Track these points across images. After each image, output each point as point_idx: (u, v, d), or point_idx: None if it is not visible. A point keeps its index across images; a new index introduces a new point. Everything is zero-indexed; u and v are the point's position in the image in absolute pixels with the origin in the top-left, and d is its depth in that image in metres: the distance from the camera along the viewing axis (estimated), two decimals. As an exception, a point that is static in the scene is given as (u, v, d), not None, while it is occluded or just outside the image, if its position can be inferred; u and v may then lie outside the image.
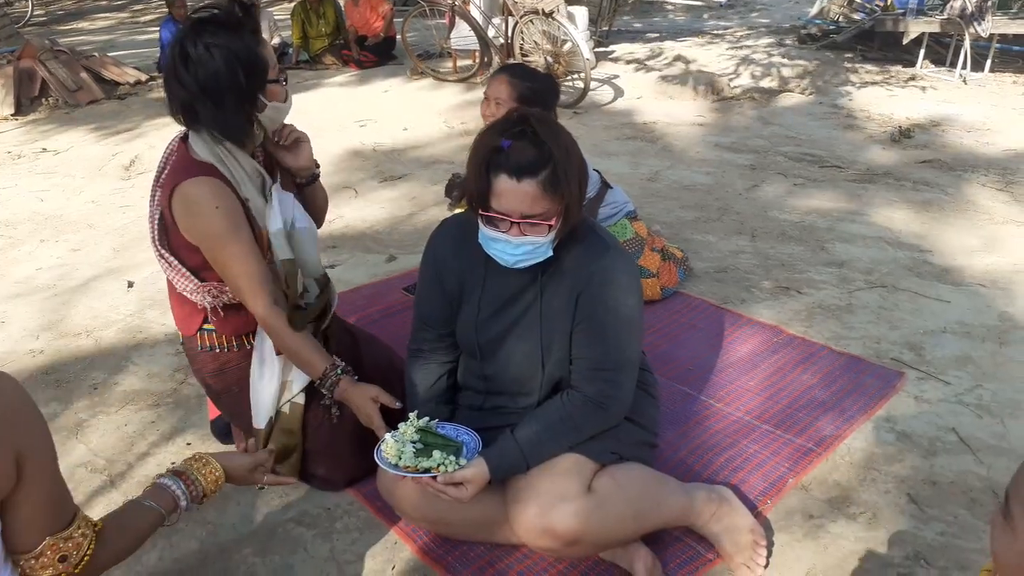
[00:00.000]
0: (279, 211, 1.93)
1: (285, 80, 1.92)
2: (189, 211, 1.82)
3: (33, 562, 1.21)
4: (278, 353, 2.00)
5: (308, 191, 2.11)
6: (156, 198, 1.92)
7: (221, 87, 1.74)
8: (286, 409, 2.04)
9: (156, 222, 1.92)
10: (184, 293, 1.96)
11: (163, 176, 1.91)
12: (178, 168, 1.85)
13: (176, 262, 1.92)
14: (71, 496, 1.30)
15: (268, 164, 2.00)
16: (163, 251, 1.92)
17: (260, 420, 2.04)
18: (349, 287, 3.36)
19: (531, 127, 1.59)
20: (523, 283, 1.77)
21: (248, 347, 2.04)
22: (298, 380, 2.03)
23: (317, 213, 2.16)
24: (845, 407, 2.44)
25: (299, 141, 2.01)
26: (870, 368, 2.66)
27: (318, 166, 2.12)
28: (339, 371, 1.94)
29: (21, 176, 5.18)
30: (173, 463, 2.25)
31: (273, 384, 2.01)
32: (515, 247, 1.64)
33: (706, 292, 3.23)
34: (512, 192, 1.57)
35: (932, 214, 4.04)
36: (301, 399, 2.05)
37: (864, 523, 2.00)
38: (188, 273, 1.92)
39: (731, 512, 1.88)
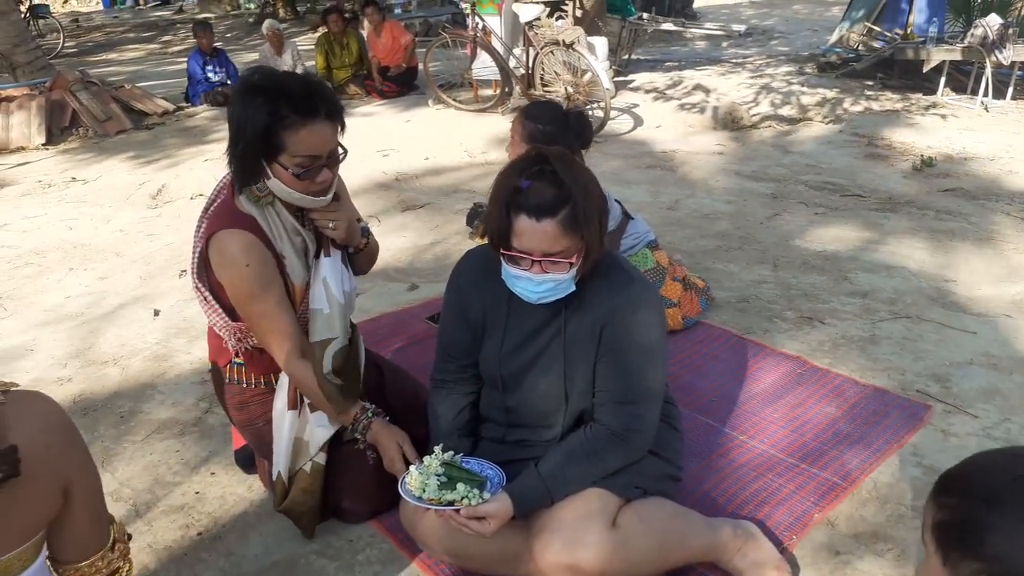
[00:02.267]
0: (324, 289, 1.92)
1: (314, 177, 1.81)
2: (221, 262, 1.85)
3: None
4: (291, 408, 2.00)
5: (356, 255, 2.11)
6: (200, 231, 1.95)
7: (231, 142, 1.81)
8: (307, 468, 2.02)
9: (197, 255, 1.95)
10: (214, 328, 1.99)
11: (209, 211, 1.95)
12: (221, 212, 1.89)
13: (211, 298, 1.95)
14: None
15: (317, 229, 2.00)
16: (200, 285, 1.95)
17: (273, 472, 2.05)
18: (371, 316, 3.39)
19: (550, 166, 1.61)
20: (547, 316, 1.78)
21: (275, 386, 2.05)
22: (315, 440, 2.02)
23: (365, 267, 2.18)
24: (871, 440, 2.41)
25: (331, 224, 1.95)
26: (896, 400, 2.63)
27: (368, 234, 2.10)
28: (370, 413, 1.95)
29: (51, 205, 5.29)
30: (197, 492, 2.28)
31: (288, 440, 2.01)
32: (537, 284, 1.65)
33: (728, 322, 3.22)
34: (532, 232, 1.59)
35: (956, 243, 4.01)
36: (322, 459, 2.04)
37: (892, 560, 1.97)
38: (221, 311, 1.95)
39: (757, 548, 1.86)
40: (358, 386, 2.01)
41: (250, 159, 1.78)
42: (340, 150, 1.86)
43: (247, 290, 1.84)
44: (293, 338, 1.90)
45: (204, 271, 1.93)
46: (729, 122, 6.65)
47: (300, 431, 2.02)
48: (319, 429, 2.01)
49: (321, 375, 1.90)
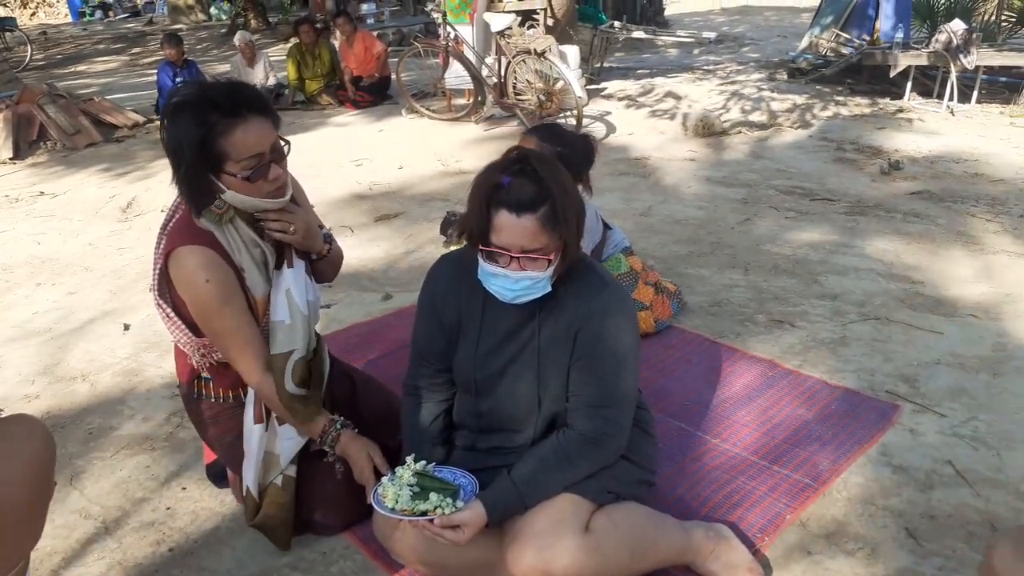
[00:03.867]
0: (287, 300, 1.90)
1: (265, 175, 1.79)
2: (181, 279, 1.83)
3: None
4: (257, 422, 1.98)
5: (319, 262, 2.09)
6: (160, 248, 1.93)
7: (174, 167, 1.77)
8: (278, 482, 2.01)
9: (157, 272, 1.93)
10: (177, 344, 1.98)
11: (167, 228, 1.93)
12: (179, 229, 1.86)
13: (174, 315, 1.93)
14: None
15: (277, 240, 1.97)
16: (162, 302, 1.94)
17: (243, 487, 2.03)
18: (344, 326, 3.37)
19: (531, 165, 1.63)
20: (521, 319, 1.78)
21: (244, 400, 2.04)
22: (285, 453, 2.01)
23: (329, 274, 2.16)
24: (841, 441, 2.44)
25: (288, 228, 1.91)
26: (865, 401, 2.66)
27: (330, 240, 2.09)
28: (339, 425, 1.94)
29: (18, 219, 5.22)
30: (168, 508, 2.26)
31: (258, 454, 1.99)
32: (514, 282, 1.66)
33: (700, 326, 3.24)
34: (512, 227, 1.60)
35: (923, 245, 4.08)
36: (292, 472, 2.03)
37: (863, 559, 1.99)
38: (184, 327, 1.93)
39: (729, 550, 1.87)
40: (321, 397, 2.00)
41: (197, 178, 1.75)
42: (282, 143, 1.83)
43: (208, 305, 1.83)
44: (257, 352, 1.89)
45: (165, 288, 1.91)
46: (700, 128, 6.71)
47: (270, 444, 2.00)
48: (288, 442, 2.00)
49: (283, 387, 1.88)
